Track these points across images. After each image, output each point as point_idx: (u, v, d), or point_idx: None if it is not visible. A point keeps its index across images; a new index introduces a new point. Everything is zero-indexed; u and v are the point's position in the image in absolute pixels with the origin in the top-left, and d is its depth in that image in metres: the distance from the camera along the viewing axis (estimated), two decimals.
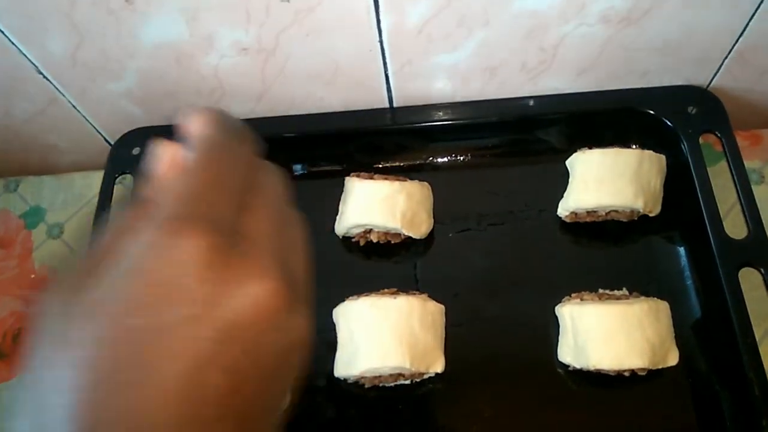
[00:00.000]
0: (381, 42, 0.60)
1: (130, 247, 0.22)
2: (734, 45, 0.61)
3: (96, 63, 0.62)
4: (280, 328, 0.22)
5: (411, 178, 0.63)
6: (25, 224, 0.72)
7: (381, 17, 0.57)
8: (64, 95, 0.66)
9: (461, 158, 0.69)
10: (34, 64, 0.62)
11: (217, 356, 0.21)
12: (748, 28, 0.59)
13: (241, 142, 0.26)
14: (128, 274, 0.21)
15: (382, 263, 0.64)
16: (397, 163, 0.69)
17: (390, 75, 0.65)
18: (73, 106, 0.68)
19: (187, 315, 0.21)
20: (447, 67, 0.64)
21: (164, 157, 0.25)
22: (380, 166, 0.68)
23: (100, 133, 0.73)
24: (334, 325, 0.58)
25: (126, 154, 0.67)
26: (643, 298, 0.55)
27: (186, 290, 0.21)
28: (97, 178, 0.69)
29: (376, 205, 0.60)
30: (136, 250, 0.21)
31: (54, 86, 0.65)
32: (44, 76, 0.63)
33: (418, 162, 0.69)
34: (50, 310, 0.22)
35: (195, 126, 0.25)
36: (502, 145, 0.68)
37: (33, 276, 0.69)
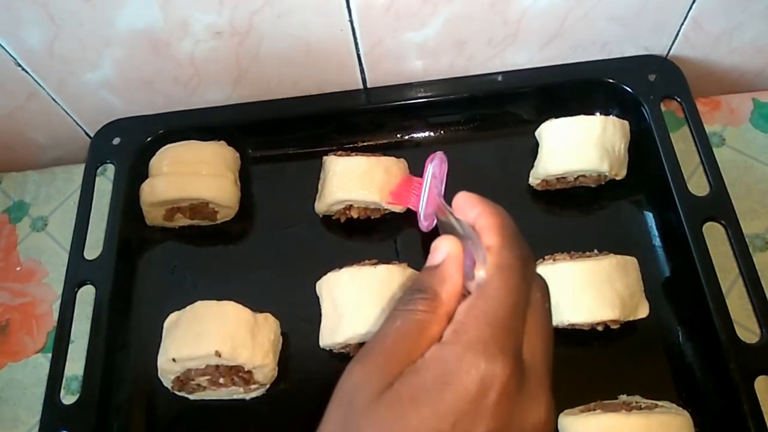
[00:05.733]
0: (351, 21, 0.62)
1: (434, 360, 0.26)
2: (688, 11, 0.63)
3: (73, 53, 0.63)
4: None
5: (387, 156, 0.65)
6: (9, 219, 0.72)
7: None
8: (43, 87, 0.67)
9: (435, 134, 0.71)
10: (12, 57, 0.63)
11: None
12: None
13: (528, 257, 0.30)
14: (437, 387, 0.25)
15: (363, 239, 0.66)
16: (373, 142, 0.71)
17: (362, 55, 0.67)
18: (53, 99, 0.69)
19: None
20: (416, 44, 0.66)
21: (448, 252, 0.31)
22: (357, 145, 0.70)
23: (80, 126, 0.74)
24: (318, 299, 0.59)
25: (106, 144, 0.69)
26: (611, 254, 0.57)
27: (485, 411, 0.25)
28: (78, 172, 0.70)
29: (355, 180, 0.62)
30: (441, 364, 0.26)
31: (33, 79, 0.66)
32: (23, 69, 0.65)
33: (393, 140, 0.71)
34: (357, 402, 0.26)
35: (489, 237, 0.30)
36: (475, 120, 0.70)
37: (18, 269, 0.69)
